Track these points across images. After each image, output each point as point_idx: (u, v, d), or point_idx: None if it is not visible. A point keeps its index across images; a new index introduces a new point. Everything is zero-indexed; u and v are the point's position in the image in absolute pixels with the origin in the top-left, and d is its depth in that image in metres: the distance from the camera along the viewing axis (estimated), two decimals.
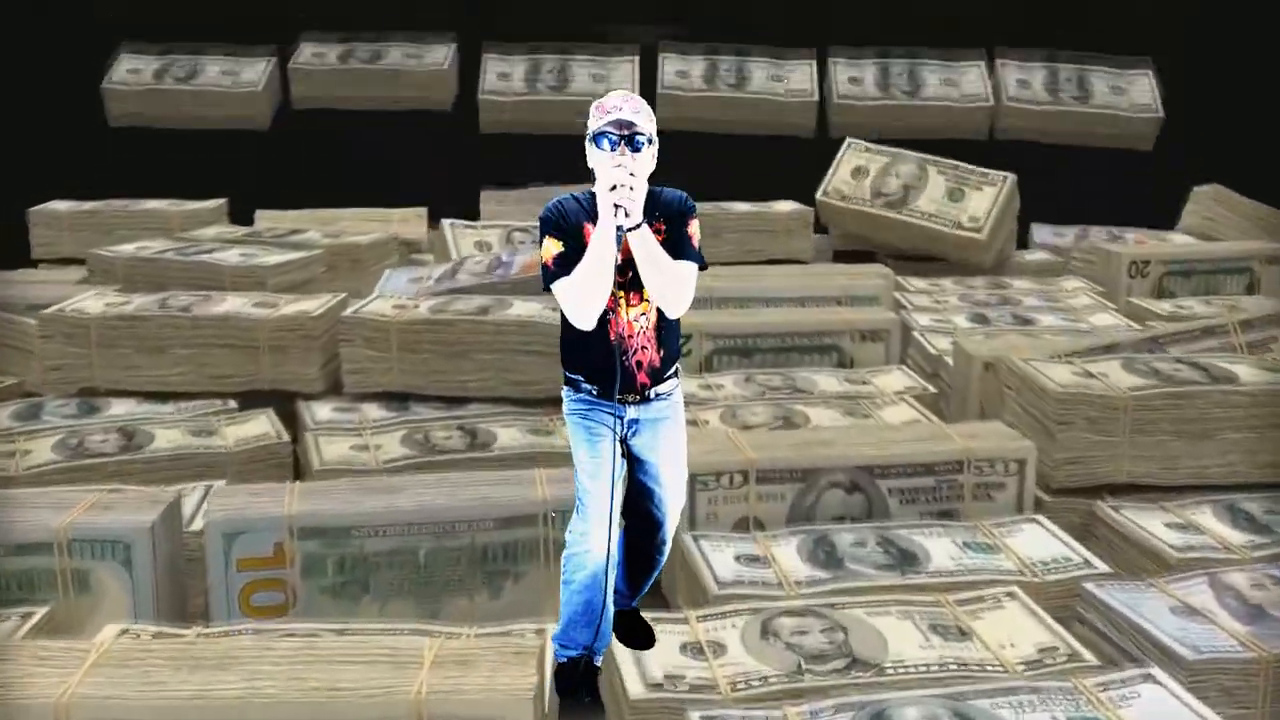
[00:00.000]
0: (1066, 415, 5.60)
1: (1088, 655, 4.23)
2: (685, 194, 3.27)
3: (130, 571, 4.64)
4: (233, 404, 6.80)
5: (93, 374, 6.90)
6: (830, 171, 9.98)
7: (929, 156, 9.83)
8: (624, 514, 3.38)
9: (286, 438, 6.32)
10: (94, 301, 7.20)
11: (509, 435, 6.17)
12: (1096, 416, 5.60)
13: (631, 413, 3.27)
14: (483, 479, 5.18)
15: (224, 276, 8.16)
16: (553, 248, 3.16)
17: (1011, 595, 4.72)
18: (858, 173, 9.84)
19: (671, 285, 3.16)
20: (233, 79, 11.56)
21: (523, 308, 6.71)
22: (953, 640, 4.29)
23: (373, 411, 6.49)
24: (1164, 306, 8.48)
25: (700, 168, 6.32)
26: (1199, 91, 11.15)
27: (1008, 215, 9.63)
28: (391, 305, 6.82)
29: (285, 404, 6.77)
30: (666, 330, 3.27)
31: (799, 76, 11.59)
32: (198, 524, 5.03)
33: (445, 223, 9.57)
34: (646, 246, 3.10)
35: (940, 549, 5.07)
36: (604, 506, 3.25)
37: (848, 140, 10.14)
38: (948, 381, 7.27)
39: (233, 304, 7.13)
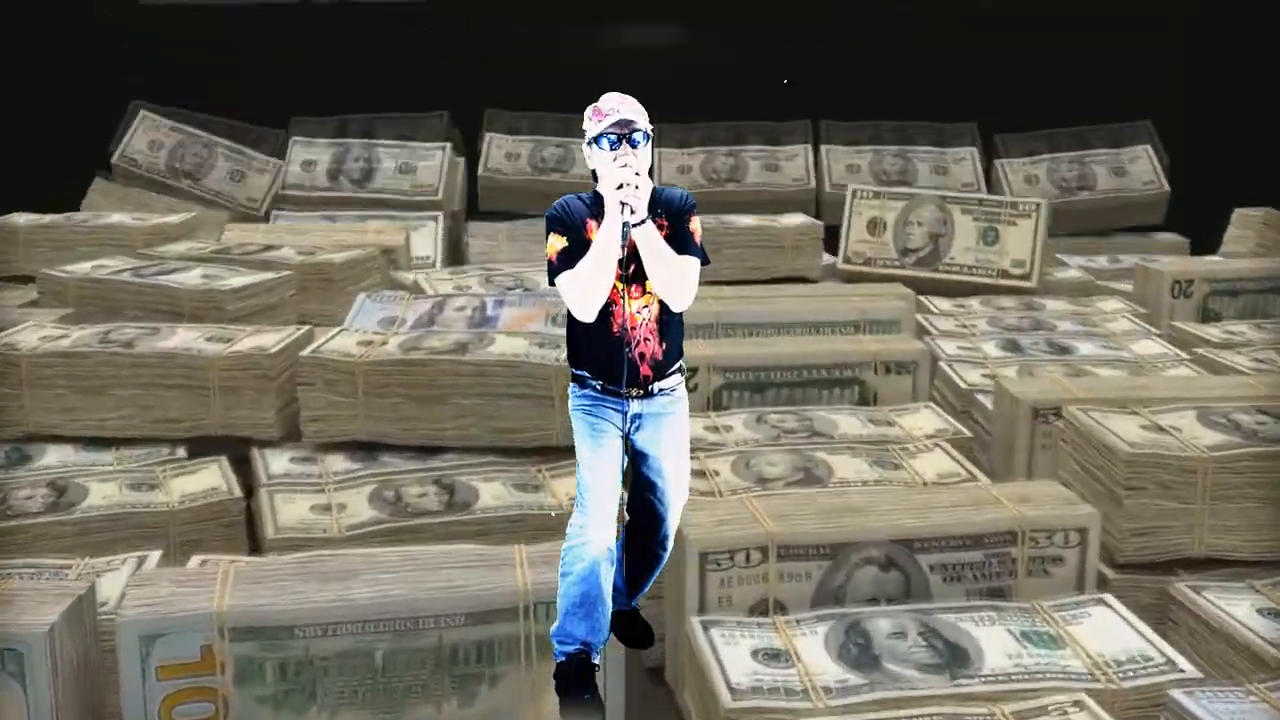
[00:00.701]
0: (1136, 479, 4.73)
1: None
2: (687, 191, 3.29)
3: (24, 685, 3.77)
4: (181, 452, 5.95)
5: (25, 417, 6.04)
6: (843, 232, 9.05)
7: (948, 192, 8.97)
8: (627, 509, 3.42)
9: (239, 493, 5.47)
10: (29, 334, 6.33)
11: (492, 492, 5.31)
12: (1171, 480, 4.75)
13: (635, 407, 3.25)
14: (454, 557, 4.31)
15: (182, 301, 7.32)
16: (557, 243, 3.17)
17: (1080, 705, 3.87)
18: (875, 226, 8.94)
19: (676, 279, 3.18)
20: (239, 183, 10.96)
21: (507, 344, 5.83)
22: None
23: (336, 462, 5.62)
24: (1212, 332, 7.63)
25: None
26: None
27: (1047, 246, 8.78)
28: (356, 342, 5.93)
29: (241, 450, 5.92)
30: (669, 324, 3.27)
31: (795, 165, 11.08)
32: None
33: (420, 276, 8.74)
34: (651, 242, 3.13)
35: (994, 642, 4.21)
36: (605, 502, 3.26)
37: (851, 188, 9.20)
38: (983, 423, 6.42)
39: (183, 338, 6.26)
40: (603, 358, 3.21)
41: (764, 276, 8.70)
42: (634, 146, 3.17)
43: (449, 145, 10.93)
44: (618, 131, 3.16)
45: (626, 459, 3.31)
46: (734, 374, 6.61)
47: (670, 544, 3.49)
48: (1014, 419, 5.91)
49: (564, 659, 3.40)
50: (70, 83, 10.72)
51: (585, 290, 3.13)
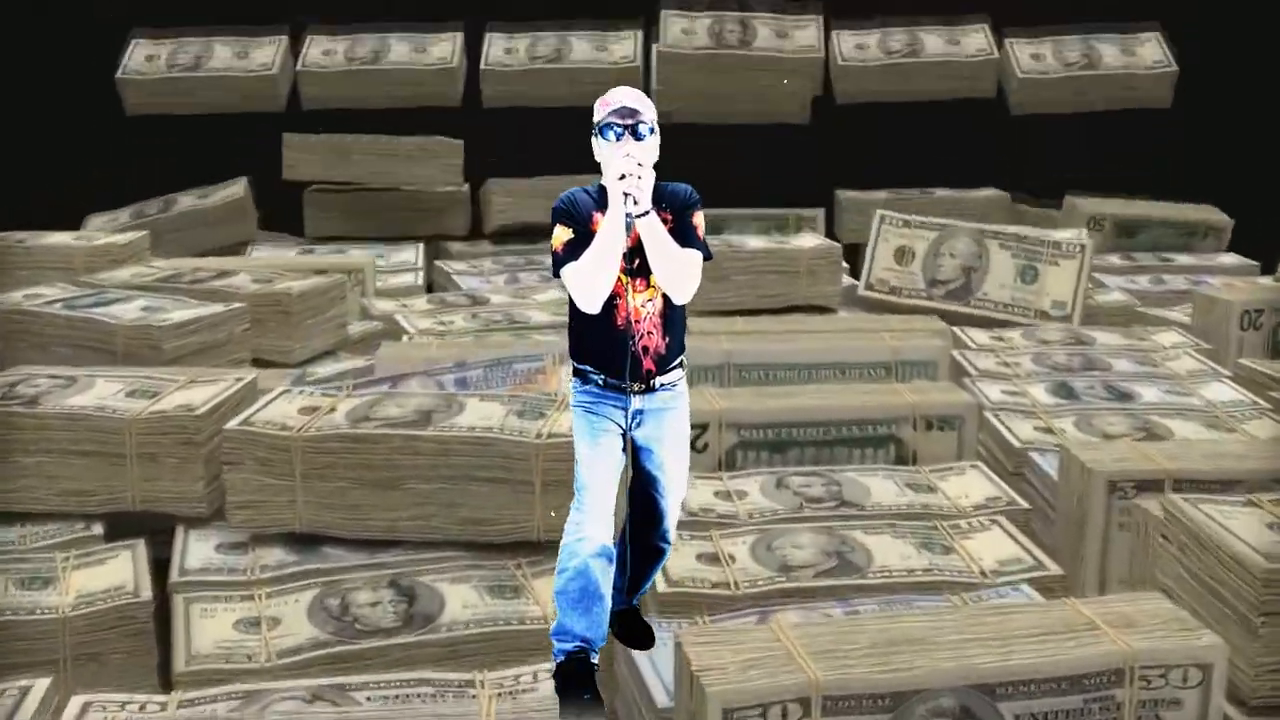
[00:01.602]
0: (1275, 602, 3.63)
1: None
2: (690, 187, 3.28)
3: None
4: (98, 530, 4.86)
5: None
6: (868, 257, 7.93)
7: (985, 226, 7.86)
8: (627, 504, 3.37)
9: (147, 594, 4.36)
10: None
11: (461, 599, 4.19)
12: None
13: (637, 403, 3.23)
14: None
15: (116, 337, 6.22)
16: (563, 234, 3.17)
17: None
18: (903, 255, 7.83)
19: (679, 272, 3.16)
20: (245, 63, 10.26)
21: (478, 411, 4.69)
22: None
23: (271, 553, 4.51)
24: None
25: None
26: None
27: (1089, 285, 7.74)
28: (299, 409, 4.80)
29: (168, 526, 4.83)
30: (672, 318, 3.25)
31: (805, 35, 10.29)
32: None
33: (396, 308, 7.76)
34: (654, 233, 3.12)
35: None
36: (603, 500, 3.22)
37: (879, 214, 8.06)
38: (1040, 489, 5.33)
39: (100, 391, 5.16)
40: (606, 351, 3.15)
41: (778, 305, 7.59)
42: (639, 139, 3.13)
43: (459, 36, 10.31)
44: (621, 122, 3.13)
45: (626, 457, 3.26)
46: (750, 431, 5.52)
47: (672, 537, 3.44)
48: (1084, 493, 4.82)
49: (563, 658, 3.30)
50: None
51: (589, 281, 3.08)
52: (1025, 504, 5.09)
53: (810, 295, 7.66)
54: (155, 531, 4.84)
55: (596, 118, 3.20)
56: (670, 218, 3.18)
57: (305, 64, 10.28)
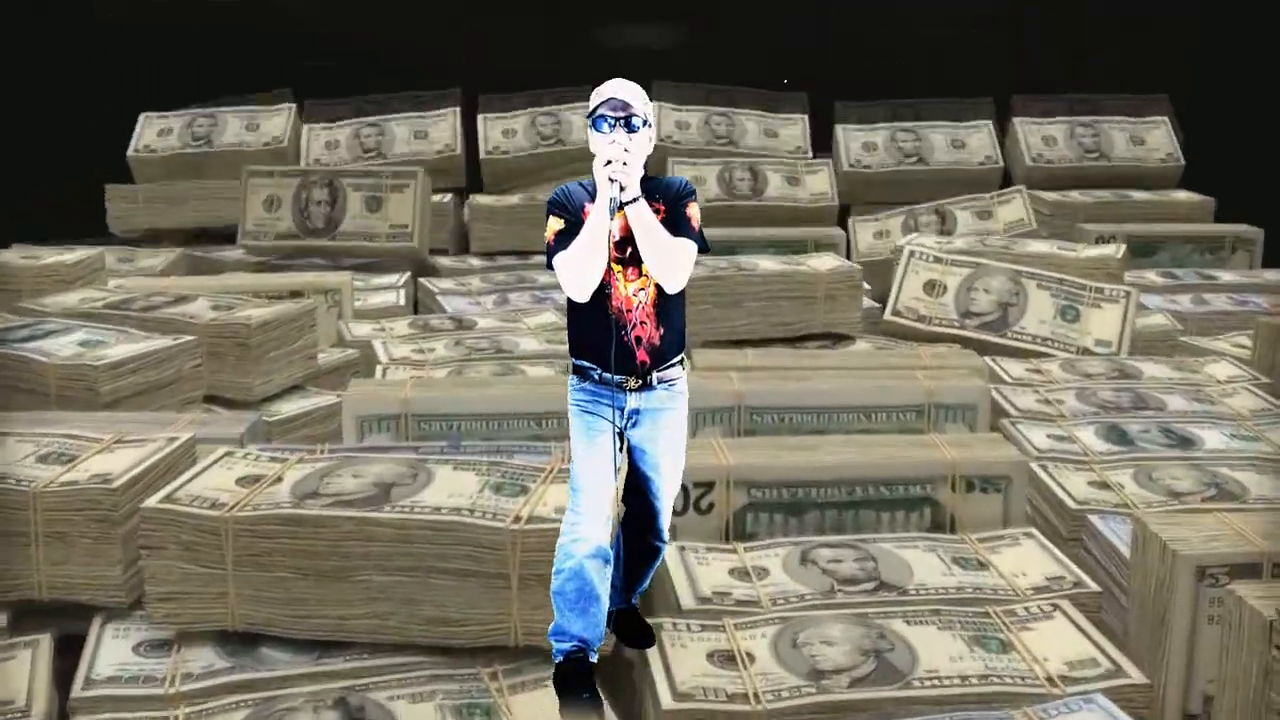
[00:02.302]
0: None
1: None
2: (685, 179, 3.21)
3: None
4: (2, 620, 4.04)
5: None
6: (895, 287, 7.14)
7: (1023, 268, 7.03)
8: (622, 502, 3.27)
9: (40, 711, 3.53)
10: None
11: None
12: None
13: (633, 402, 3.14)
14: None
15: (47, 378, 5.41)
16: (555, 224, 3.13)
17: None
18: (933, 288, 7.03)
19: (668, 259, 3.06)
20: (256, 133, 10.11)
21: (449, 484, 3.84)
22: None
23: (199, 657, 3.68)
24: None
25: None
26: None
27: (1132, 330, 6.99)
28: (236, 478, 3.95)
29: (82, 616, 4.01)
30: (668, 308, 3.15)
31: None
32: None
33: (374, 331, 7.02)
34: (643, 220, 3.04)
35: None
36: (598, 500, 3.14)
37: (907, 248, 7.25)
38: (1102, 560, 4.52)
39: (7, 455, 4.32)
40: (598, 341, 3.08)
41: (793, 333, 6.77)
42: (631, 131, 3.07)
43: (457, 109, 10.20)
44: (612, 114, 3.07)
45: (623, 456, 3.18)
46: (763, 491, 4.70)
47: (667, 535, 3.37)
48: (1166, 579, 3.99)
49: (561, 658, 3.24)
50: (73, 88, 9.91)
51: (578, 269, 3.02)
52: (1094, 585, 4.27)
53: (829, 322, 6.83)
54: (72, 617, 4.04)
55: (589, 110, 3.14)
56: (663, 208, 3.11)
57: (310, 158, 10.07)
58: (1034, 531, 4.65)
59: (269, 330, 6.08)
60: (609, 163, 3.04)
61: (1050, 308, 6.83)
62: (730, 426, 5.47)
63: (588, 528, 3.14)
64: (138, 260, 8.75)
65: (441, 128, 10.15)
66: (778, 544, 4.50)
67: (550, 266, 3.14)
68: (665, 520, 3.37)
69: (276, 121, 10.13)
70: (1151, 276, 8.36)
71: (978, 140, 10.03)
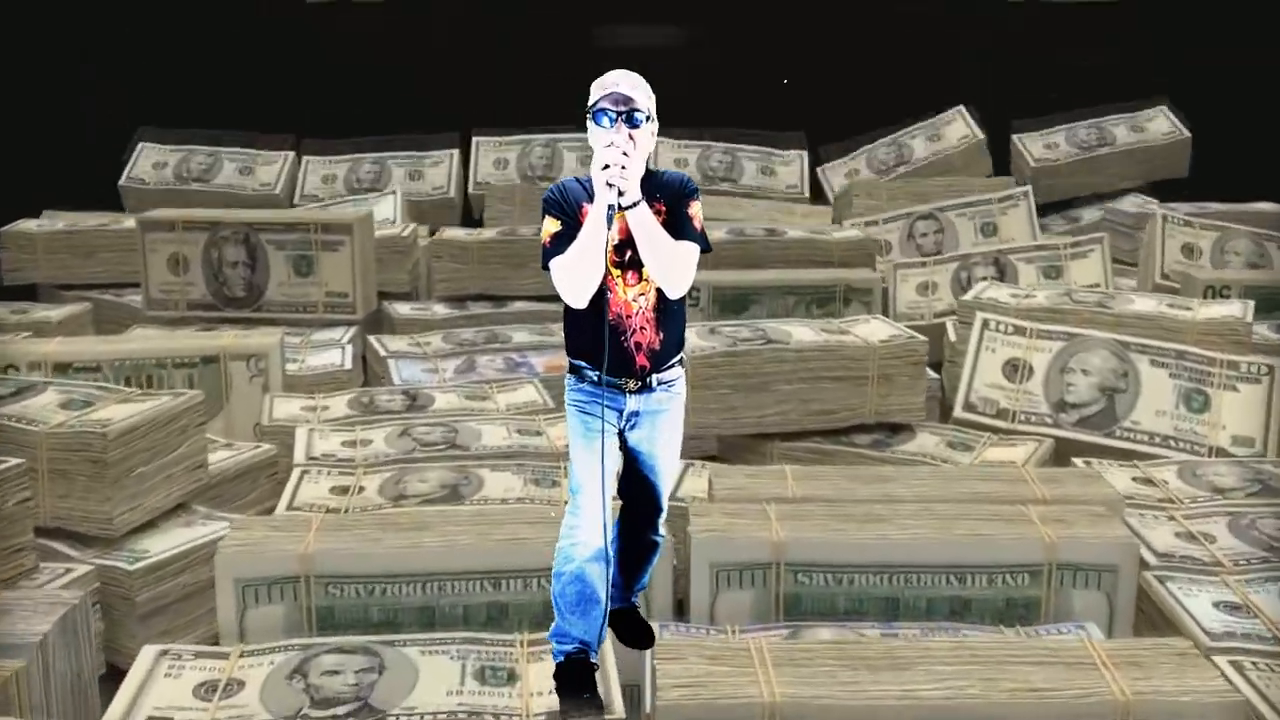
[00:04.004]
0: None
1: None
2: (686, 175, 2.98)
3: None
4: None
5: None
6: (966, 369, 5.39)
7: (1130, 338, 5.27)
8: (619, 498, 3.12)
9: None
10: None
11: None
12: None
13: (632, 404, 2.94)
14: None
15: None
16: (551, 226, 2.89)
17: None
18: (1016, 370, 5.28)
19: (671, 265, 2.84)
20: (249, 180, 9.47)
21: None
22: None
23: None
24: None
25: None
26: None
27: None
28: None
29: None
30: (667, 313, 2.93)
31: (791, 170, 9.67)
32: None
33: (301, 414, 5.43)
34: (645, 225, 2.81)
35: None
36: (598, 502, 2.95)
37: (981, 317, 5.46)
38: None
39: None
40: (596, 346, 2.89)
41: (838, 424, 5.02)
42: (633, 127, 2.83)
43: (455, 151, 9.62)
44: (614, 108, 2.84)
45: (620, 456, 3.03)
46: None
47: (664, 531, 3.21)
48: None
49: (562, 659, 3.11)
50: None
51: (575, 276, 2.83)
52: None
53: (884, 410, 5.07)
54: None
55: (591, 100, 2.86)
56: (664, 208, 2.87)
57: (304, 192, 9.33)
58: None
59: (135, 439, 4.29)
60: (606, 166, 2.78)
61: (1170, 392, 5.05)
62: (763, 596, 3.71)
63: (587, 531, 2.97)
64: (33, 313, 6.95)
65: (438, 171, 9.47)
66: None
67: (546, 268, 2.90)
68: (663, 516, 3.19)
69: (272, 168, 9.42)
70: (1265, 332, 6.55)
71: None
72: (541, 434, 5.17)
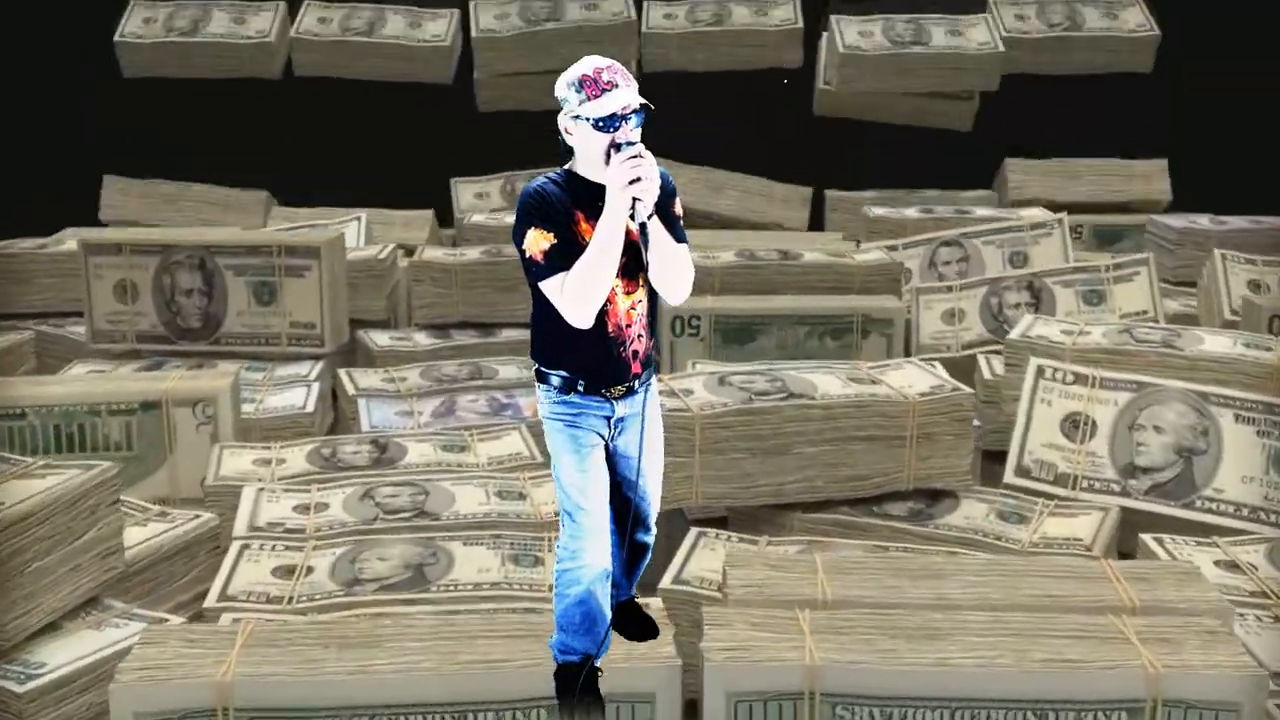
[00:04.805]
0: None
1: None
2: (665, 170, 2.67)
3: None
4: None
5: None
6: (1020, 426, 4.60)
7: (1210, 389, 4.44)
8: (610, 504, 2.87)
9: None
10: None
11: None
12: None
13: (620, 410, 2.73)
14: None
15: None
16: (541, 240, 2.61)
17: None
18: (1077, 427, 4.47)
19: (679, 272, 2.68)
20: (242, 28, 8.97)
21: None
22: None
23: None
24: None
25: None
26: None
27: None
28: None
29: None
30: (654, 314, 2.78)
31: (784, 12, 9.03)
32: None
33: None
34: (658, 235, 2.62)
35: None
36: (600, 522, 2.78)
37: (1035, 363, 4.63)
38: None
39: None
40: (595, 360, 2.69)
41: (869, 491, 4.22)
42: (637, 125, 2.60)
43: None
44: (623, 113, 2.58)
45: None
46: None
47: (654, 528, 2.99)
48: None
49: (565, 662, 2.93)
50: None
51: (588, 296, 2.60)
52: None
53: (924, 474, 4.28)
54: None
55: (577, 104, 2.58)
56: (654, 211, 2.64)
57: (299, 31, 8.93)
58: None
59: (32, 526, 3.49)
60: (633, 181, 2.53)
61: (1258, 454, 4.25)
62: None
63: (591, 553, 2.76)
64: None
65: (437, 24, 8.93)
66: None
67: (534, 286, 2.64)
68: (654, 516, 2.96)
69: (263, 17, 8.89)
70: None
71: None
72: (525, 497, 4.38)
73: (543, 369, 2.74)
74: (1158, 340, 4.88)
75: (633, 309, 2.70)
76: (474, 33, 8.80)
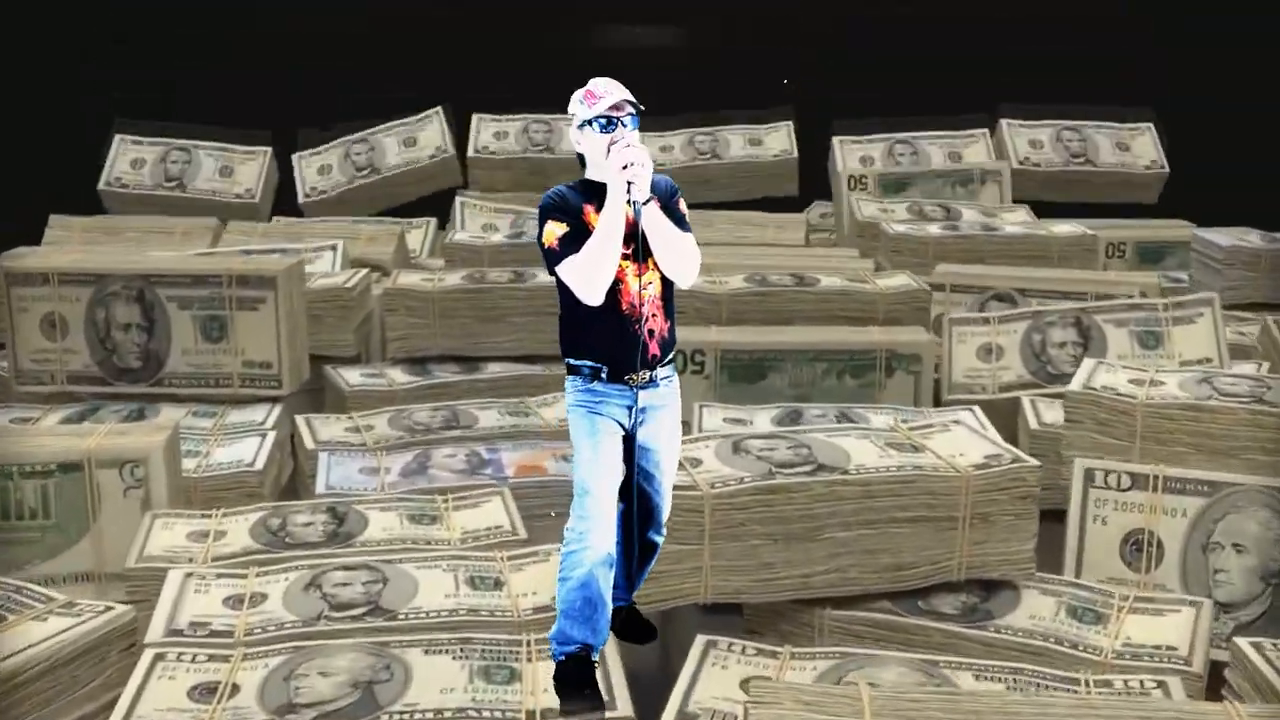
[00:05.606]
0: None
1: None
2: (667, 176, 2.98)
3: None
4: None
5: None
6: (1074, 530, 3.89)
7: None
8: (622, 500, 3.02)
9: None
10: None
11: None
12: None
13: (642, 400, 2.91)
14: None
15: None
16: (556, 229, 2.87)
17: None
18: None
19: (684, 256, 2.92)
20: (228, 184, 8.71)
21: None
22: None
23: None
24: None
25: None
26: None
27: None
28: None
29: None
30: (669, 299, 2.97)
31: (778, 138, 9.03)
32: None
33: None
34: (657, 220, 2.88)
35: None
36: (606, 506, 2.91)
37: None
38: None
39: None
40: (612, 340, 2.89)
41: (911, 582, 3.46)
42: (630, 127, 2.89)
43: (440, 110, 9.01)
44: (617, 113, 2.89)
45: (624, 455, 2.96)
46: None
47: (665, 529, 3.11)
48: None
49: (563, 658, 3.00)
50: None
51: (594, 273, 2.83)
52: None
53: (979, 563, 3.49)
54: None
55: (581, 111, 2.91)
56: (660, 207, 2.90)
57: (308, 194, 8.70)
58: None
59: (26, 684, 2.73)
60: (626, 166, 2.80)
61: None
62: None
63: (596, 535, 2.87)
64: None
65: (430, 131, 8.80)
66: None
67: (553, 272, 2.87)
68: (665, 514, 3.08)
69: (250, 168, 8.62)
70: None
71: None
72: (502, 586, 3.60)
73: (572, 361, 2.93)
74: (1246, 393, 4.09)
75: (644, 290, 2.89)
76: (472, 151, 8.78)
